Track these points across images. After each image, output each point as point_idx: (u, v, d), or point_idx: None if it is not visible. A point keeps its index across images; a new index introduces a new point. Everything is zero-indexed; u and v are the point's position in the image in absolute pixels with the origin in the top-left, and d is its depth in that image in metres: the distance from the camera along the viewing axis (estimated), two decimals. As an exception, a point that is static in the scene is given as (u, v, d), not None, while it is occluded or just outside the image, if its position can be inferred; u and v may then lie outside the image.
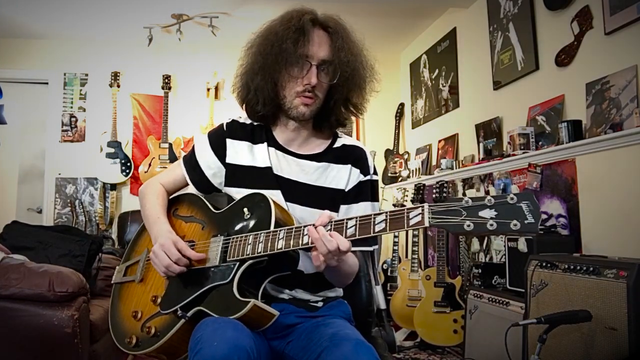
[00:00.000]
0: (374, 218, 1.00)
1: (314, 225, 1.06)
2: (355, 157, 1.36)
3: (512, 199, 0.88)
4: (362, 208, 1.32)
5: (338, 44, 1.24)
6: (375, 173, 1.38)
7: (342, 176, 1.33)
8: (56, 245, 2.53)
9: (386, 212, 1.00)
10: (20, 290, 1.85)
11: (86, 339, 1.98)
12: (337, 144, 1.38)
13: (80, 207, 4.50)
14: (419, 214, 0.94)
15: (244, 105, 1.36)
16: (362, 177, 1.34)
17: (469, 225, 0.89)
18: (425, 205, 0.95)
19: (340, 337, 1.10)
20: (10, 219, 2.77)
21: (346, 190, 1.33)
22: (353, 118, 5.18)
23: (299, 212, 1.27)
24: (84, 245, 2.57)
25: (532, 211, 0.86)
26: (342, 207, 1.32)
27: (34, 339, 1.85)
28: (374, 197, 1.36)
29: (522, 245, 2.65)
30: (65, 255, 2.49)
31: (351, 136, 5.29)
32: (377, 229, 1.00)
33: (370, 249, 1.36)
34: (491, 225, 0.88)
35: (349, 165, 1.34)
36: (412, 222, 0.95)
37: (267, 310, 1.11)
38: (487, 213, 0.89)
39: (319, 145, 1.37)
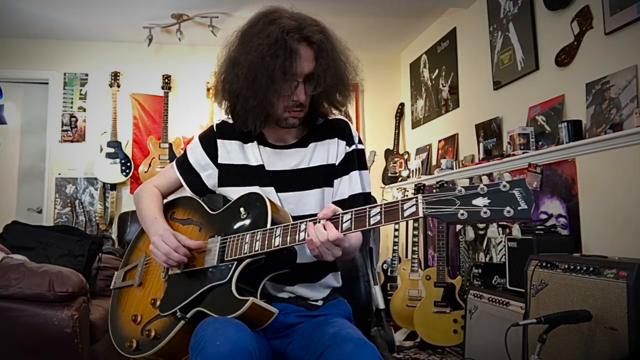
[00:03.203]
0: (369, 211, 1.01)
1: (312, 220, 1.08)
2: (339, 129, 1.37)
3: (504, 186, 0.88)
4: (352, 178, 1.33)
5: (322, 54, 1.23)
6: (360, 142, 1.40)
7: (332, 150, 1.35)
8: (56, 245, 2.53)
9: (381, 205, 1.00)
10: (20, 290, 1.85)
11: (86, 339, 1.98)
12: (319, 121, 1.39)
13: (80, 207, 4.50)
14: (413, 204, 0.95)
15: (229, 115, 1.35)
16: (347, 149, 1.36)
17: (462, 214, 0.90)
18: (419, 195, 0.95)
19: (342, 336, 1.09)
20: (10, 219, 2.77)
21: (336, 164, 1.34)
22: (353, 118, 5.17)
23: (295, 199, 1.29)
24: (84, 245, 2.57)
25: (525, 197, 0.87)
26: (335, 182, 1.34)
27: (34, 339, 1.85)
28: (361, 165, 1.37)
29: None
30: (65, 255, 2.49)
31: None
32: (372, 222, 1.00)
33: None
34: (485, 213, 0.88)
35: (336, 138, 1.36)
36: (406, 213, 0.96)
37: (266, 308, 1.11)
38: (480, 201, 0.89)
39: (304, 130, 1.38)
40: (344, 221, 1.04)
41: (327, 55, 1.23)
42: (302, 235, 1.08)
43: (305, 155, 1.34)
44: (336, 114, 1.39)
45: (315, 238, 1.05)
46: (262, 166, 1.33)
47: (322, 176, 1.32)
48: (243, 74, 1.22)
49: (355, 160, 1.36)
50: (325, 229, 1.05)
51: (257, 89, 1.21)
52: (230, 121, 1.39)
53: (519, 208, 0.86)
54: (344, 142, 1.35)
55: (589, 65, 2.59)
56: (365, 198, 1.34)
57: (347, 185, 1.32)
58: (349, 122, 1.40)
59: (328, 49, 1.23)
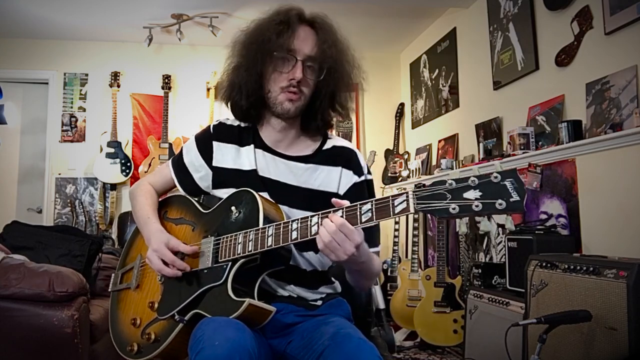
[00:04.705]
0: (360, 207, 0.99)
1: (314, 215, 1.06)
2: (345, 158, 1.33)
3: (495, 177, 0.85)
4: None
5: (324, 40, 1.24)
6: (369, 172, 1.36)
7: (333, 178, 1.31)
8: (56, 245, 2.53)
9: (372, 201, 0.98)
10: (20, 290, 1.85)
11: (86, 339, 1.98)
12: (327, 145, 1.36)
13: (80, 207, 4.50)
14: (404, 200, 0.92)
15: (228, 103, 1.35)
16: (356, 179, 1.32)
17: (454, 209, 0.87)
18: (410, 191, 0.92)
19: (342, 335, 1.09)
20: (10, 219, 2.77)
21: (340, 193, 1.30)
22: (353, 118, 5.17)
23: (287, 214, 1.24)
24: (84, 245, 2.56)
25: (517, 188, 0.84)
26: None
27: (34, 339, 1.85)
28: (371, 196, 1.32)
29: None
30: (65, 255, 2.49)
31: (351, 136, 5.25)
32: (364, 219, 0.98)
33: (377, 249, 1.31)
34: (476, 206, 0.85)
35: (340, 167, 1.32)
36: (397, 209, 0.93)
37: (264, 308, 1.11)
38: (471, 194, 0.86)
39: (308, 147, 1.35)
40: None
41: (330, 44, 1.24)
42: (294, 234, 1.07)
43: (303, 175, 1.31)
44: (337, 117, 1.38)
45: (323, 231, 1.00)
46: (254, 170, 1.30)
47: (317, 202, 1.26)
48: (242, 48, 1.27)
49: (366, 192, 1.32)
50: (331, 220, 1.00)
51: (253, 59, 1.24)
52: (228, 122, 1.38)
53: (510, 200, 0.83)
54: (351, 172, 1.31)
55: (589, 65, 2.59)
56: (377, 229, 1.29)
57: None
58: (357, 151, 1.37)
59: (330, 38, 1.25)
